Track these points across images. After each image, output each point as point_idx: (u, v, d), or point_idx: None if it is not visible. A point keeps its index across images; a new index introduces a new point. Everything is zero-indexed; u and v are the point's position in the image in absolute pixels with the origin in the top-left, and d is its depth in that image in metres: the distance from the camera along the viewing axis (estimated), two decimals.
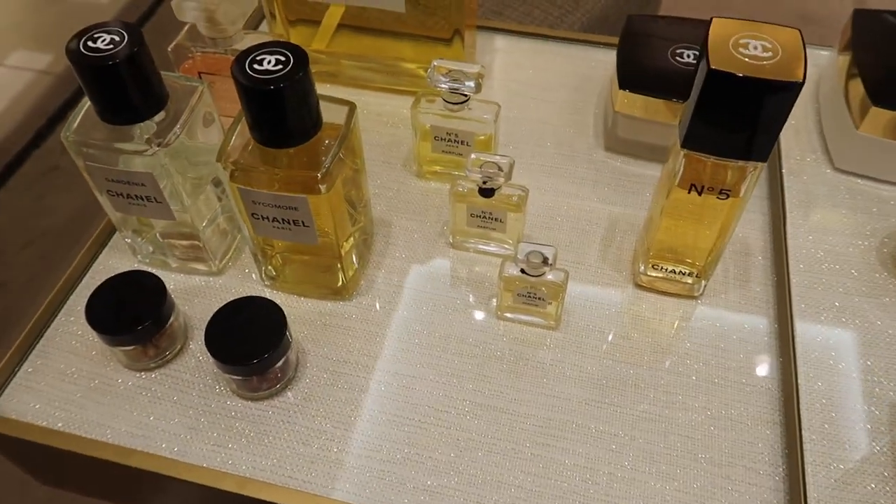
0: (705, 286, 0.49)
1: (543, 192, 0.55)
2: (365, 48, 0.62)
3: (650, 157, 0.57)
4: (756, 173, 0.39)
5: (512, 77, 0.64)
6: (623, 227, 0.53)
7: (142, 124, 0.42)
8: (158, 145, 0.41)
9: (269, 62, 0.37)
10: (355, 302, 0.49)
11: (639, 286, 0.50)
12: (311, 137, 0.40)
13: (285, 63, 0.37)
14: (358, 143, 0.45)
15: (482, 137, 0.52)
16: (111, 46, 0.38)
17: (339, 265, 0.47)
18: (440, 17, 0.57)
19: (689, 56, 0.55)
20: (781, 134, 0.45)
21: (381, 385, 0.45)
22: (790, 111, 0.35)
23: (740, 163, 0.39)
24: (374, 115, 0.61)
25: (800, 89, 0.34)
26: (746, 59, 0.35)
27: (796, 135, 0.58)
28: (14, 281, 1.25)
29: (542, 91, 0.63)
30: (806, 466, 0.40)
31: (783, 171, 0.55)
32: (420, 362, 0.46)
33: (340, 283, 0.48)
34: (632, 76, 0.54)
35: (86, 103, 0.43)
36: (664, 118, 0.54)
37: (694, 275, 0.47)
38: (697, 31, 0.57)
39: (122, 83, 0.39)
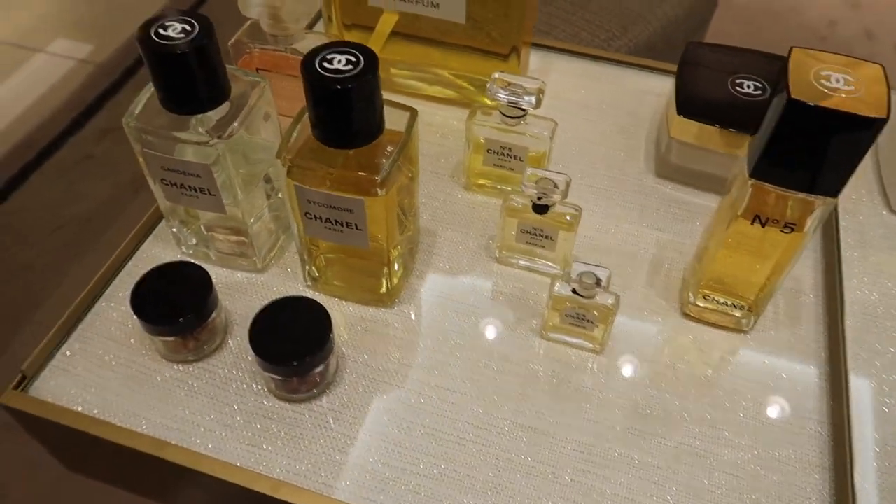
0: (755, 321, 0.47)
1: (591, 214, 0.54)
2: (417, 57, 0.61)
3: (701, 185, 0.56)
4: (825, 208, 0.38)
5: (563, 96, 0.64)
6: (671, 255, 0.52)
7: (201, 116, 0.42)
8: (219, 137, 0.41)
9: (340, 61, 0.37)
10: (397, 310, 0.48)
11: (686, 316, 0.49)
12: (374, 140, 0.40)
13: (355, 63, 0.37)
14: (415, 151, 0.44)
15: (536, 154, 0.51)
16: (182, 35, 0.38)
17: (384, 271, 0.46)
18: (497, 32, 0.57)
19: (749, 87, 0.54)
20: None
21: (420, 397, 0.44)
22: (869, 147, 0.35)
23: (810, 196, 0.38)
24: (424, 125, 0.61)
25: (883, 126, 0.33)
26: (827, 91, 0.34)
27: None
28: (39, 263, 1.26)
29: (593, 112, 0.63)
30: None
31: (838, 209, 0.54)
32: (460, 377, 0.45)
33: (384, 289, 0.47)
34: (690, 102, 0.53)
35: (148, 90, 0.42)
36: (719, 147, 0.53)
37: (745, 309, 0.46)
38: (757, 62, 0.56)
39: (191, 73, 0.39)
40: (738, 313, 0.47)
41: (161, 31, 0.38)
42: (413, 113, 0.42)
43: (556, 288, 0.44)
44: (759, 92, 0.54)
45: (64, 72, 1.66)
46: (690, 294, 0.48)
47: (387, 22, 0.60)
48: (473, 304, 0.49)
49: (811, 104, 0.33)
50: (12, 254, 1.28)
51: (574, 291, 0.43)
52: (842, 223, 0.53)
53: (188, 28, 0.39)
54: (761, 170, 0.38)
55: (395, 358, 0.46)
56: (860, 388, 0.45)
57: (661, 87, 0.64)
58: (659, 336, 0.48)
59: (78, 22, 1.78)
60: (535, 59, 0.67)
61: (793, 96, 0.34)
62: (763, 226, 0.40)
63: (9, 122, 1.55)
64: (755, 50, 0.58)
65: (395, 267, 0.47)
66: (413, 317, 0.48)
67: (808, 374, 0.46)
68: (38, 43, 1.72)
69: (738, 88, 0.54)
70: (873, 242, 0.53)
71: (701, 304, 0.48)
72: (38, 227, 1.33)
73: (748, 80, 0.55)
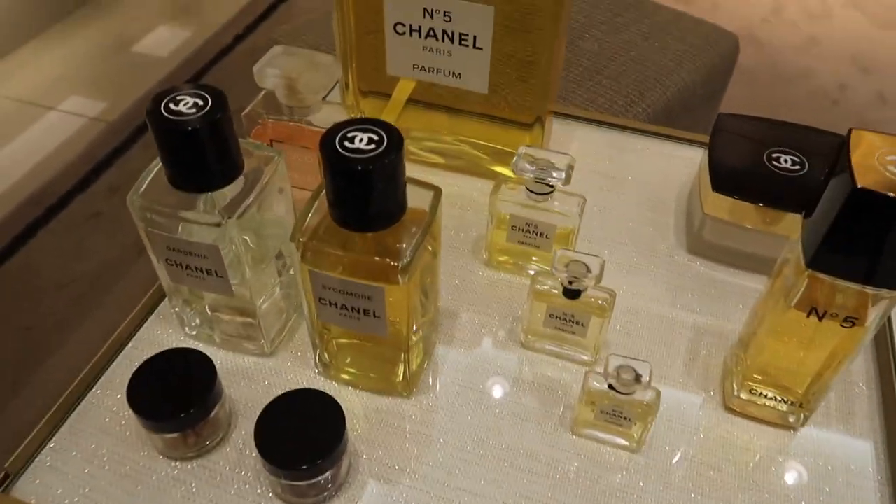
0: (805, 419, 0.43)
1: (622, 295, 0.50)
2: (434, 126, 0.59)
3: (737, 263, 0.53)
4: (890, 302, 0.35)
5: (585, 166, 0.61)
6: (709, 340, 0.48)
7: (212, 193, 0.39)
8: (230, 217, 0.38)
9: (362, 140, 0.34)
10: (415, 400, 0.45)
11: (730, 409, 0.45)
12: (396, 222, 0.37)
13: (378, 143, 0.34)
14: (438, 228, 0.41)
15: (563, 231, 0.48)
16: (193, 111, 0.36)
17: (402, 358, 0.43)
18: (520, 101, 0.55)
19: (786, 161, 0.51)
20: None
21: (441, 501, 0.40)
22: None
23: (874, 290, 0.34)
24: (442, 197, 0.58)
25: None
26: (895, 178, 0.31)
27: None
28: (41, 325, 1.23)
29: (617, 183, 0.60)
30: None
31: None
32: (485, 477, 0.41)
33: (401, 377, 0.44)
34: (725, 178, 0.51)
35: (154, 167, 0.40)
36: (755, 224, 0.50)
37: (797, 404, 0.42)
38: (792, 135, 0.54)
39: (202, 150, 0.36)
40: (785, 408, 0.43)
41: (172, 105, 0.36)
42: (437, 192, 0.40)
43: (590, 382, 0.40)
44: (798, 167, 0.51)
45: (76, 128, 1.67)
46: (734, 385, 0.44)
47: (403, 89, 0.59)
48: (497, 394, 0.45)
49: (880, 193, 0.31)
50: (16, 312, 1.25)
51: (610, 387, 0.39)
52: (894, 309, 0.49)
53: (200, 102, 0.36)
54: (820, 260, 0.34)
55: (412, 454, 0.42)
56: None
57: (686, 157, 0.62)
58: (700, 432, 0.44)
59: (92, 81, 1.79)
60: (556, 128, 0.65)
61: (858, 184, 0.31)
62: (820, 319, 0.37)
63: (18, 179, 1.54)
64: (787, 122, 0.55)
65: (415, 353, 0.44)
66: (432, 408, 0.44)
67: (867, 475, 0.42)
68: (52, 101, 1.73)
69: (774, 163, 0.51)
70: None
71: (745, 398, 0.44)
72: (43, 285, 1.30)
73: (784, 153, 0.52)
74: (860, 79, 1.79)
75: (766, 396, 0.43)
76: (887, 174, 0.31)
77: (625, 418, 0.40)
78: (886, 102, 1.74)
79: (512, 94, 0.54)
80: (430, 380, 0.46)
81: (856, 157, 0.32)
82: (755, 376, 0.43)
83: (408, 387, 0.45)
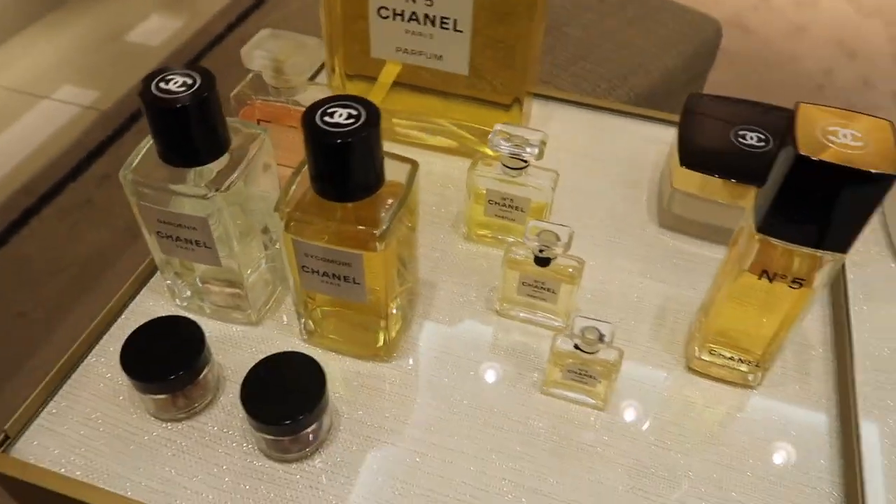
0: (763, 377, 0.46)
1: (593, 266, 0.53)
2: (419, 108, 0.61)
3: (705, 236, 0.55)
4: (834, 265, 0.38)
5: (563, 146, 0.63)
6: (675, 307, 0.51)
7: (199, 168, 0.41)
8: (217, 190, 0.40)
9: (341, 115, 0.36)
10: (394, 364, 0.47)
11: (692, 370, 0.47)
12: (373, 193, 0.39)
13: (357, 118, 0.36)
14: (415, 202, 0.43)
15: (537, 205, 0.51)
16: (183, 89, 0.38)
17: (381, 324, 0.45)
18: (500, 82, 0.57)
19: (752, 138, 0.54)
20: None
21: (416, 456, 0.42)
22: (879, 203, 0.34)
23: (818, 252, 0.37)
24: (424, 175, 0.60)
25: (893, 182, 0.33)
26: (835, 148, 0.34)
27: None
28: (35, 311, 1.25)
29: (594, 162, 0.62)
30: None
31: (845, 262, 0.53)
32: (459, 434, 0.44)
33: (381, 343, 0.46)
34: (693, 153, 0.53)
35: (146, 144, 0.42)
36: (722, 198, 0.53)
37: (753, 364, 0.45)
38: (759, 113, 0.56)
39: (190, 127, 0.38)
40: (744, 368, 0.46)
41: (162, 84, 0.38)
42: (414, 165, 0.42)
43: (557, 343, 0.42)
44: (763, 143, 0.53)
45: (68, 117, 1.68)
46: (696, 348, 0.46)
47: (389, 73, 0.61)
48: (473, 359, 0.48)
49: (819, 160, 0.33)
50: (8, 300, 1.27)
51: (576, 347, 0.42)
52: (850, 276, 0.52)
53: (189, 81, 0.38)
54: (768, 225, 0.37)
55: (391, 414, 0.45)
56: (872, 447, 0.43)
57: (662, 137, 0.64)
58: (664, 391, 0.46)
59: (85, 70, 1.80)
60: (536, 109, 0.67)
61: (801, 152, 0.33)
62: (770, 281, 0.39)
63: (12, 167, 1.55)
64: (756, 101, 0.58)
65: (393, 320, 0.46)
66: (411, 371, 0.47)
67: (818, 430, 0.45)
68: (45, 90, 1.74)
69: (740, 139, 0.54)
70: (882, 296, 0.52)
71: (707, 359, 0.46)
72: (36, 272, 1.32)
73: (750, 131, 0.54)
74: (845, 63, 1.81)
75: (725, 357, 0.45)
76: (827, 143, 0.34)
77: (590, 377, 0.43)
78: (871, 87, 1.77)
79: (493, 76, 0.57)
80: (410, 345, 0.48)
81: (800, 128, 0.34)
82: (716, 338, 0.45)
83: (388, 352, 0.47)
